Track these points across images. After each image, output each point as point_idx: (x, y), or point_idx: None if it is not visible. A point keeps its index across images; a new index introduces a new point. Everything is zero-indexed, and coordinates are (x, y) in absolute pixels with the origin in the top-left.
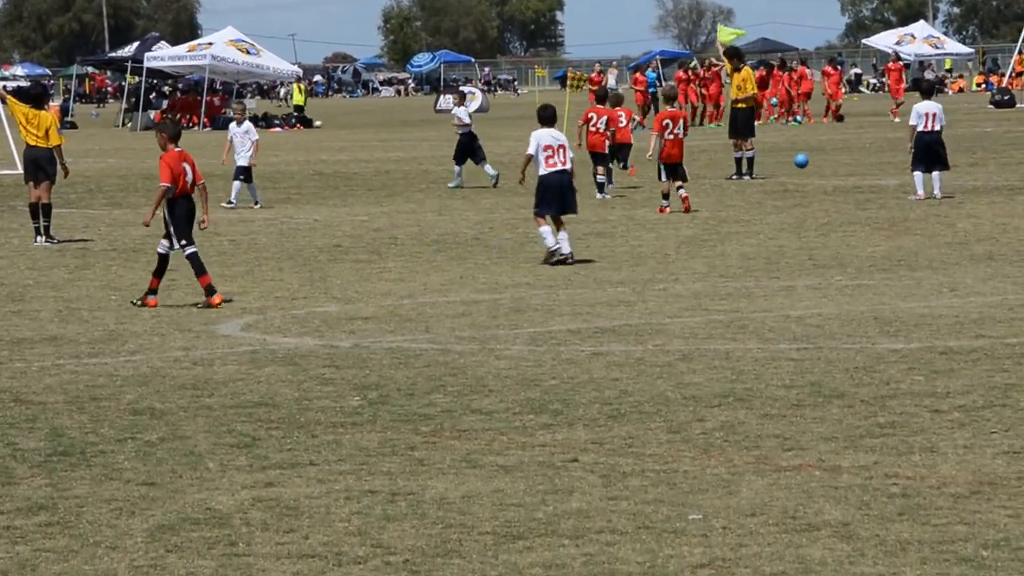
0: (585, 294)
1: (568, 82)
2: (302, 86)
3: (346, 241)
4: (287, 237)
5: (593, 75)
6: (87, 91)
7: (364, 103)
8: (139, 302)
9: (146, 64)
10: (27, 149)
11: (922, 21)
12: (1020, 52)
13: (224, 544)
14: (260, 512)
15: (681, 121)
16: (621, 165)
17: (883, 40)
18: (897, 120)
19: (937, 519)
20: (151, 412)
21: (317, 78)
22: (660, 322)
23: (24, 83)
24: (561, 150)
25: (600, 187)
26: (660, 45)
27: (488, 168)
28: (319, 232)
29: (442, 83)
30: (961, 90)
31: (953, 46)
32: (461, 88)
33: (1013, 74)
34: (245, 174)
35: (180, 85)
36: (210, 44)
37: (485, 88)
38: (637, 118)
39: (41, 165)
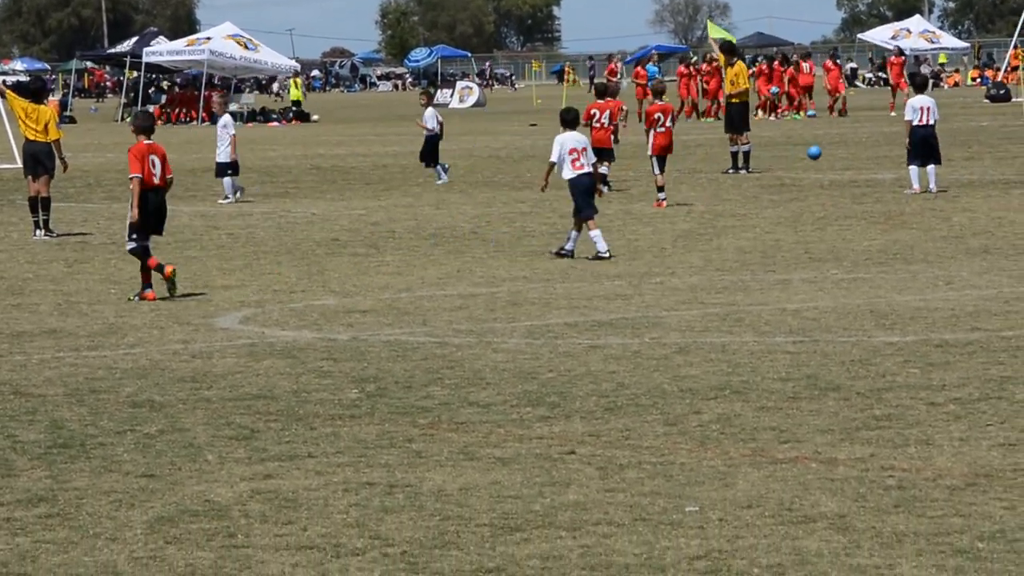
0: (582, 287)
1: (565, 77)
2: (299, 81)
3: (344, 235)
4: (285, 231)
5: (612, 65)
6: (86, 86)
7: (361, 98)
8: (136, 297)
9: (145, 59)
10: (26, 143)
11: (917, 16)
12: (1016, 46)
13: (223, 536)
14: (259, 504)
15: (670, 114)
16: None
17: (878, 35)
18: (893, 114)
19: (933, 511)
20: (150, 405)
21: (315, 73)
22: (657, 315)
23: (23, 78)
24: (584, 152)
25: (604, 180)
26: (656, 40)
27: (435, 167)
28: (317, 226)
29: (439, 78)
30: (957, 84)
31: (949, 41)
32: (427, 89)
33: (1009, 68)
34: (232, 168)
35: (178, 80)
36: (208, 39)
37: (481, 83)
38: (623, 123)
39: (40, 159)
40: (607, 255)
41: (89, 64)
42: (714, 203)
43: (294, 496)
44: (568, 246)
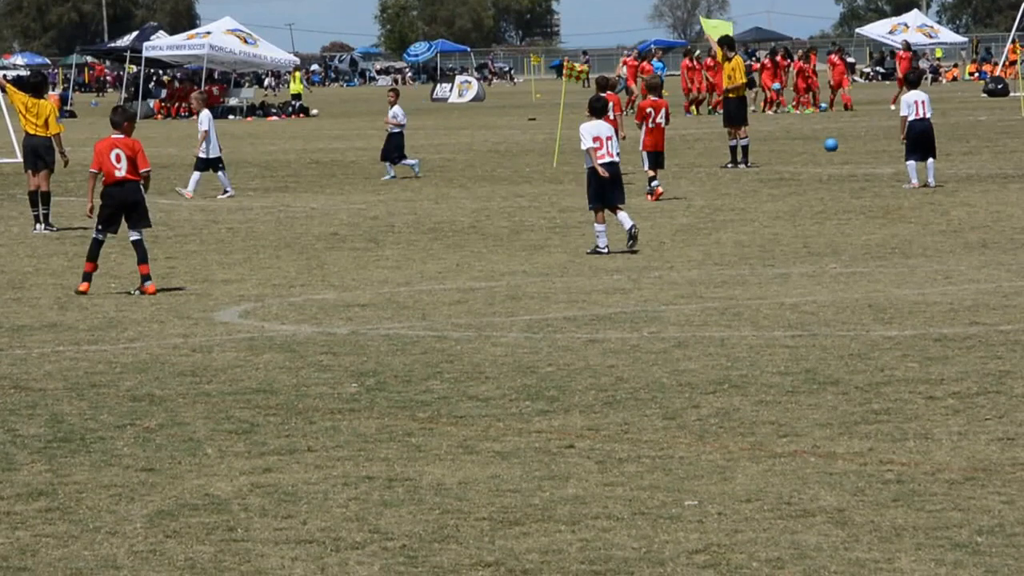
0: (581, 282)
1: (564, 71)
2: (299, 75)
3: (343, 229)
4: (284, 225)
5: (630, 60)
6: (86, 80)
7: (361, 92)
8: (136, 292)
9: (145, 53)
10: (26, 138)
11: (915, 10)
12: (1014, 41)
13: (223, 529)
14: (258, 498)
15: (663, 110)
16: None
17: (877, 29)
18: (893, 107)
19: (931, 505)
20: (150, 399)
21: (314, 67)
22: (656, 309)
23: (24, 72)
24: (609, 141)
25: None
26: (655, 35)
27: (406, 162)
28: (316, 220)
29: (439, 72)
30: (955, 79)
31: (947, 35)
32: (395, 86)
33: (1007, 63)
34: (214, 165)
35: (178, 74)
36: (208, 33)
37: (480, 77)
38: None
39: (40, 154)
40: (634, 231)
41: (89, 59)
42: (713, 197)
43: (294, 490)
44: (601, 247)
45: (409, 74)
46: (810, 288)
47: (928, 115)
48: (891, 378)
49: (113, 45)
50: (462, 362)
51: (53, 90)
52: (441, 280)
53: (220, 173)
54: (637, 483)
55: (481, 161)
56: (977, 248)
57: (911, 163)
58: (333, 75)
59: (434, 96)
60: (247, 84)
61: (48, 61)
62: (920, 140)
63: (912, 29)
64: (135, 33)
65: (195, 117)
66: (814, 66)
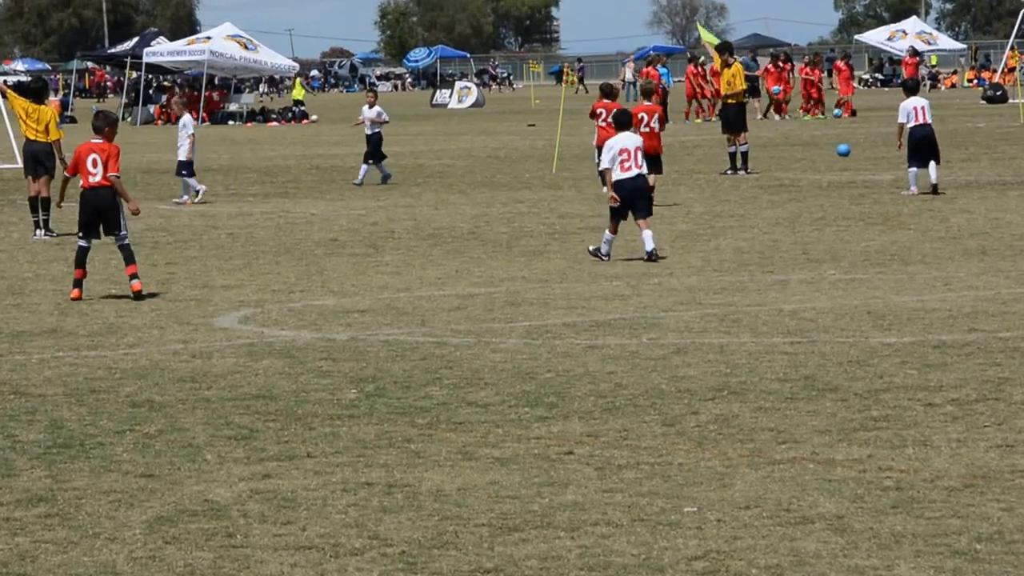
0: (580, 288)
1: (563, 78)
2: (300, 80)
3: (343, 235)
4: (284, 231)
5: (651, 69)
6: (87, 86)
7: (361, 98)
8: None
9: (145, 59)
10: (27, 143)
11: (914, 17)
12: (1012, 48)
13: (222, 536)
14: (258, 504)
15: (656, 115)
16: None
17: (875, 36)
18: None
19: (931, 512)
20: (150, 404)
21: (314, 73)
22: (655, 316)
23: (25, 78)
24: (637, 153)
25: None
26: (654, 41)
27: (383, 167)
28: (316, 226)
29: (438, 78)
30: (953, 85)
31: (945, 42)
32: (373, 88)
33: (1005, 70)
34: (186, 168)
35: (178, 80)
36: (208, 39)
37: (480, 83)
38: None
39: (40, 159)
40: (655, 255)
41: (90, 64)
42: (712, 204)
43: (293, 496)
44: (603, 252)
45: (409, 80)
46: (809, 295)
47: (929, 121)
48: (890, 385)
49: (114, 51)
50: (461, 368)
51: (54, 96)
52: (440, 286)
53: (190, 179)
54: (636, 489)
55: (480, 167)
56: (976, 255)
57: (912, 170)
58: (333, 81)
59: (433, 102)
60: (248, 89)
61: (49, 67)
62: (921, 146)
63: (911, 36)
64: (136, 39)
65: (175, 121)
66: (820, 77)
